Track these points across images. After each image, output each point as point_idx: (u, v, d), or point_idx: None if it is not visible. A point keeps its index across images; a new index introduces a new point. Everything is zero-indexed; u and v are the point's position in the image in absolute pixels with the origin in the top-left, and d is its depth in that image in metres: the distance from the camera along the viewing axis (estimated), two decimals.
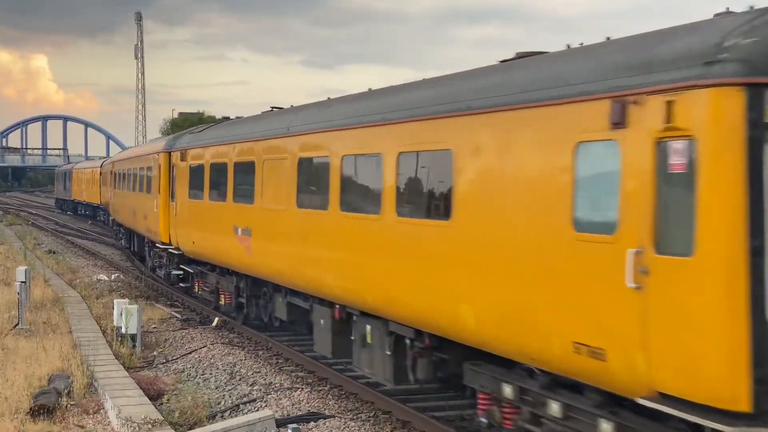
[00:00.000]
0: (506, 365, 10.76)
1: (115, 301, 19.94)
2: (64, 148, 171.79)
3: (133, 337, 18.44)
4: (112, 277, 30.71)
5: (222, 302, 21.93)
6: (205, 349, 18.98)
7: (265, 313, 19.44)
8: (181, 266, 25.30)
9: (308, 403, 14.62)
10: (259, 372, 16.82)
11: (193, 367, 17.54)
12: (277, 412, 13.84)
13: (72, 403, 14.26)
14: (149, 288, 27.97)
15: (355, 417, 13.76)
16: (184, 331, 21.11)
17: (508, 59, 11.47)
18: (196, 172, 22.94)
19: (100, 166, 58.04)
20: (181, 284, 25.88)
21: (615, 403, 8.95)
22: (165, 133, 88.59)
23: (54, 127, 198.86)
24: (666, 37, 8.47)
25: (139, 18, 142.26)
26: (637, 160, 8.10)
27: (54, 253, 39.94)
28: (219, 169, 20.87)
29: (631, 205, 8.14)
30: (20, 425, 12.95)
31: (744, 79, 7.36)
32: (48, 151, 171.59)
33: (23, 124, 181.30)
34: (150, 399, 14.25)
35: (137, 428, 12.43)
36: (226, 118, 26.58)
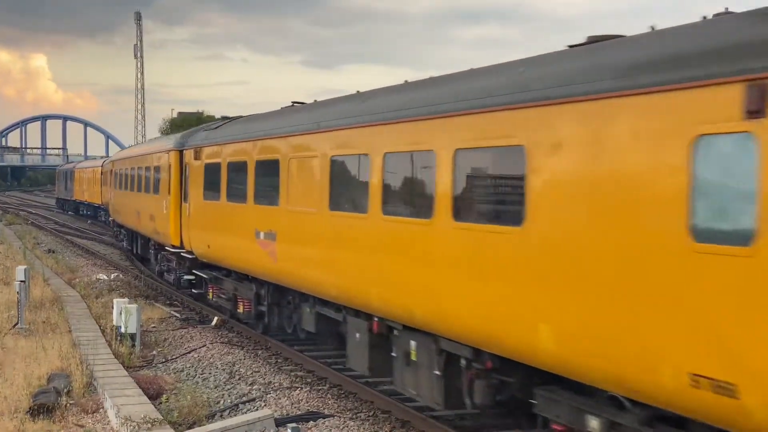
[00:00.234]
0: (582, 390, 9.37)
1: (115, 300, 19.86)
2: (64, 148, 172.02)
3: (132, 337, 18.29)
4: (112, 276, 30.56)
5: (240, 310, 19.97)
6: (204, 349, 18.88)
7: (289, 323, 17.94)
8: (193, 271, 23.57)
9: (307, 402, 14.54)
10: (259, 371, 16.67)
11: (193, 366, 17.40)
12: (276, 411, 13.77)
13: (71, 402, 14.18)
14: (148, 287, 27.71)
15: (354, 416, 13.67)
16: (183, 331, 20.92)
17: (579, 44, 9.98)
18: (211, 171, 21.06)
19: (101, 166, 57.34)
20: (193, 290, 24.12)
21: None
22: (164, 132, 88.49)
23: (53, 127, 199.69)
24: None
25: (138, 18, 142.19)
26: None
27: (53, 252, 39.80)
28: (238, 168, 19.04)
29: None
30: (20, 424, 12.88)
31: None
32: (47, 150, 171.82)
33: (23, 123, 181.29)
34: (149, 398, 14.14)
35: (136, 427, 12.37)
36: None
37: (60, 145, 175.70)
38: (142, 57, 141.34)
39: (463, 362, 11.14)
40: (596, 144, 8.52)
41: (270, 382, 15.86)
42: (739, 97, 7.01)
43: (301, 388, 15.34)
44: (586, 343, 8.62)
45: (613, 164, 8.30)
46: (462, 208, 10.73)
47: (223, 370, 16.93)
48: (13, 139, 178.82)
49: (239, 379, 16.21)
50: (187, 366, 17.40)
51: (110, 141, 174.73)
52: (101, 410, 14.01)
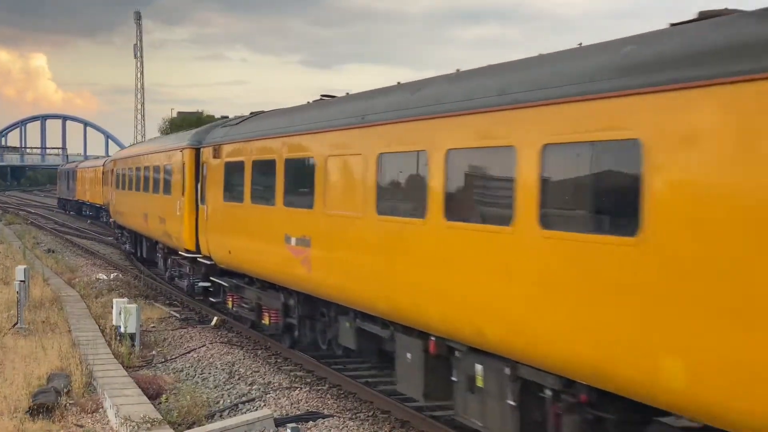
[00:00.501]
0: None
1: (114, 300, 19.84)
2: (63, 148, 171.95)
3: (132, 337, 18.28)
4: (111, 276, 30.54)
5: (266, 322, 18.29)
6: (204, 349, 18.89)
7: (323, 338, 16.29)
8: (211, 278, 21.92)
9: (307, 402, 14.52)
10: (258, 371, 16.67)
11: (192, 366, 17.40)
12: (275, 411, 13.72)
13: (71, 402, 14.21)
14: (148, 287, 27.75)
15: (353, 416, 13.65)
16: (183, 331, 20.93)
17: (690, 20, 8.49)
18: (234, 171, 19.29)
19: (103, 165, 56.74)
20: (211, 299, 22.50)
21: None
22: (164, 132, 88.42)
23: (53, 127, 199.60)
24: None
25: (138, 17, 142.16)
26: None
27: (53, 252, 39.76)
28: (264, 167, 17.37)
29: None
30: (19, 424, 12.90)
31: None
32: (47, 150, 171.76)
33: (22, 123, 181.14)
34: (149, 398, 14.13)
35: (136, 427, 12.38)
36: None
37: (60, 145, 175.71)
38: (141, 57, 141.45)
39: (548, 393, 9.58)
40: (750, 137, 6.98)
41: (269, 382, 15.85)
42: None
43: (301, 388, 15.34)
44: (737, 384, 7.08)
45: None
46: (554, 214, 9.18)
47: (223, 370, 16.93)
48: (13, 139, 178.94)
49: (239, 379, 16.20)
50: (187, 366, 17.40)
51: (110, 141, 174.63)
52: (101, 410, 14.02)
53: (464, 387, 11.10)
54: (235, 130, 20.08)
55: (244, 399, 14.78)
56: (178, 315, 23.04)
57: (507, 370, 10.11)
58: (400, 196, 12.42)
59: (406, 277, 11.88)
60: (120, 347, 17.76)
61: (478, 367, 10.71)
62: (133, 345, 18.16)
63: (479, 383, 10.68)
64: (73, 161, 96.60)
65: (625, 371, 8.15)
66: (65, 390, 14.42)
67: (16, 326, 20.11)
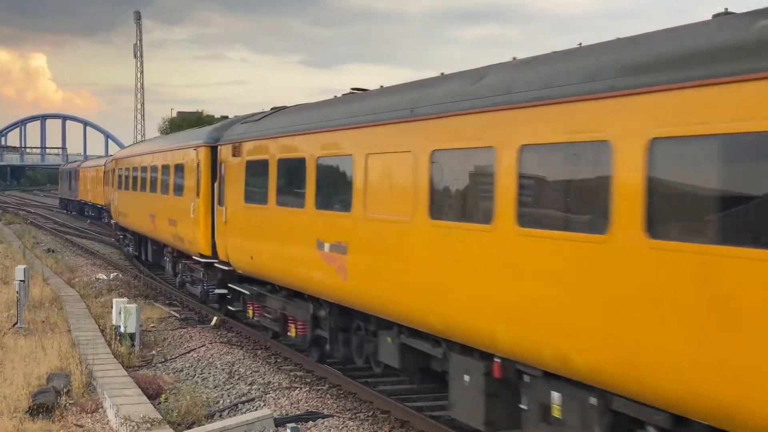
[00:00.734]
0: None
1: (114, 300, 19.82)
2: (63, 147, 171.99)
3: (131, 336, 18.26)
4: (111, 276, 30.54)
5: (292, 334, 17.01)
6: (203, 348, 18.88)
7: (358, 353, 14.84)
8: (229, 285, 20.63)
9: (307, 402, 14.50)
10: (258, 371, 16.65)
11: (192, 366, 17.38)
12: (275, 411, 13.69)
13: (71, 402, 14.18)
14: (148, 287, 27.77)
15: (353, 416, 13.64)
16: (182, 330, 20.92)
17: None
18: (256, 170, 17.93)
19: (104, 165, 55.72)
20: (229, 307, 21.19)
21: None
22: (164, 132, 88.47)
23: (53, 126, 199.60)
24: None
25: (138, 17, 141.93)
26: None
27: (53, 252, 39.75)
28: (292, 167, 16.00)
29: None
30: (19, 424, 12.89)
31: None
32: (47, 150, 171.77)
33: (22, 123, 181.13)
34: (149, 398, 14.10)
35: (136, 427, 12.36)
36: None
37: (59, 145, 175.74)
38: (141, 57, 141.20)
39: (651, 431, 8.35)
40: None
41: (269, 381, 15.85)
42: None
43: (301, 388, 15.34)
44: None
45: None
46: (660, 219, 7.85)
47: (223, 369, 16.93)
48: (13, 139, 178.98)
49: (238, 378, 16.20)
50: (187, 366, 17.40)
51: (110, 140, 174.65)
52: (100, 410, 14.02)
53: (537, 417, 9.76)
54: (258, 126, 18.67)
55: (243, 399, 14.78)
56: (177, 315, 23.05)
57: (594, 401, 8.85)
58: (460, 199, 11.00)
59: (466, 290, 10.50)
60: (120, 347, 17.76)
61: (555, 395, 9.42)
62: (132, 345, 18.15)
63: (556, 413, 9.41)
64: (76, 161, 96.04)
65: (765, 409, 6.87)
66: (65, 390, 14.40)
67: (15, 326, 20.11)
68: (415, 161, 11.68)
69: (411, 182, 11.78)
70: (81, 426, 13.24)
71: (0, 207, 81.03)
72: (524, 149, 9.51)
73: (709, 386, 7.33)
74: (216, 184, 21.03)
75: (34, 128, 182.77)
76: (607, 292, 8.31)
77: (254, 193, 18.04)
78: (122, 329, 18.33)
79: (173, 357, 18.30)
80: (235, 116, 23.75)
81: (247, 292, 19.26)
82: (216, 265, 21.07)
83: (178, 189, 24.44)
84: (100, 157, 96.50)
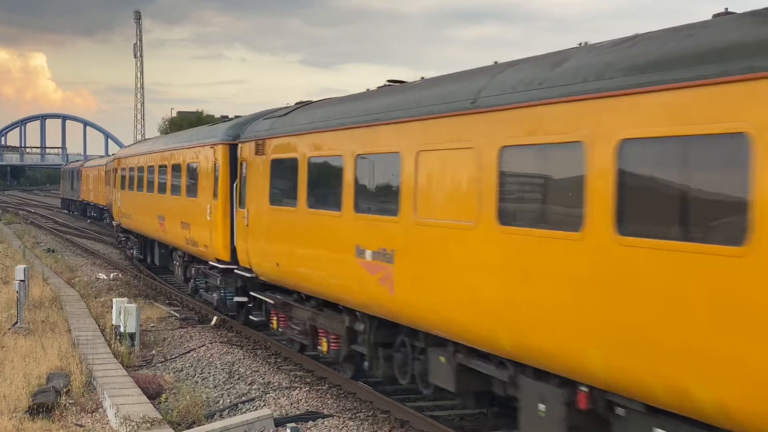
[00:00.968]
0: None
1: (114, 299, 19.84)
2: (63, 147, 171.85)
3: (131, 336, 18.26)
4: (111, 275, 30.58)
5: (324, 349, 15.49)
6: (203, 348, 18.89)
7: (402, 372, 13.37)
8: (251, 294, 19.23)
9: (307, 402, 14.51)
10: (258, 371, 16.66)
11: (192, 366, 17.39)
12: (275, 411, 13.71)
13: (70, 401, 14.15)
14: (148, 287, 27.81)
15: (353, 416, 13.64)
16: (182, 330, 20.93)
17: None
18: (283, 170, 16.45)
19: (105, 165, 55.18)
20: (251, 317, 19.64)
21: None
22: (164, 131, 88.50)
23: (53, 126, 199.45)
24: None
25: (137, 17, 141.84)
26: None
27: (53, 251, 39.74)
28: (326, 166, 14.68)
29: None
30: (19, 424, 12.87)
31: None
32: (47, 149, 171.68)
33: (22, 122, 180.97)
34: (148, 398, 14.09)
35: (135, 427, 12.37)
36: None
37: (59, 145, 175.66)
38: (141, 56, 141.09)
39: None
40: None
41: (269, 381, 15.85)
42: None
43: (301, 387, 15.34)
44: None
45: None
46: None
47: (223, 369, 16.93)
48: (13, 139, 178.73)
49: (238, 378, 16.21)
50: (187, 365, 17.40)
51: (109, 140, 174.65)
52: (100, 410, 14.01)
53: None
54: (285, 121, 16.98)
55: (243, 399, 14.78)
56: (177, 315, 23.06)
57: None
58: (538, 202, 9.67)
59: (546, 307, 9.20)
60: (120, 347, 17.75)
61: None
62: (132, 344, 18.15)
63: None
64: (77, 160, 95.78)
65: None
66: (65, 389, 14.39)
67: (15, 326, 20.10)
68: (478, 158, 10.35)
69: (475, 183, 10.42)
70: (81, 426, 13.24)
71: (0, 207, 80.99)
72: (624, 144, 8.22)
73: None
74: (235, 185, 19.56)
75: (33, 128, 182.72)
76: (747, 314, 6.92)
77: (281, 195, 16.62)
78: (122, 329, 18.33)
79: (173, 357, 18.30)
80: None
81: (272, 302, 17.75)
82: (236, 271, 19.53)
83: (192, 189, 22.94)
84: (101, 156, 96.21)
